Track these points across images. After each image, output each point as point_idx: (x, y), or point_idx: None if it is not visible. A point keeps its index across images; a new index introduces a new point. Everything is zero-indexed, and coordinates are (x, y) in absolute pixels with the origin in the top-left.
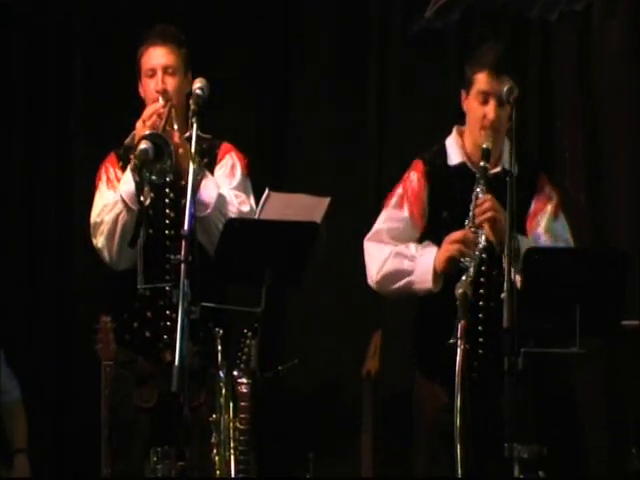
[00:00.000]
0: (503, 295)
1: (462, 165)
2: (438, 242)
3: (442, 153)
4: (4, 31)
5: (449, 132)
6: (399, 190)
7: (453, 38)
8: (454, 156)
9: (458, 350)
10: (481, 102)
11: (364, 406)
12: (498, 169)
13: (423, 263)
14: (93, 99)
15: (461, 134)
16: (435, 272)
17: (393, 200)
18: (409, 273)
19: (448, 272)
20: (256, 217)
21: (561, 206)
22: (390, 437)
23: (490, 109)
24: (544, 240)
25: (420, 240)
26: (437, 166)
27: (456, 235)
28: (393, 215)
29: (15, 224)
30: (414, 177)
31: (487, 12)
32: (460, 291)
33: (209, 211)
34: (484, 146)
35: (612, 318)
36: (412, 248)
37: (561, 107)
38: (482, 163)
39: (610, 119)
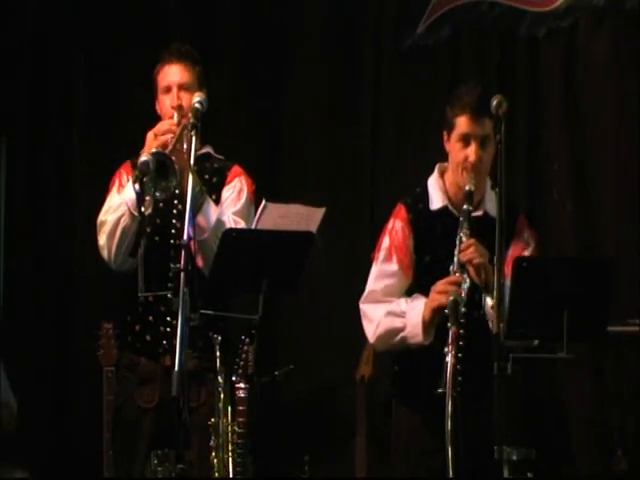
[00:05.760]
0: (489, 304)
1: (444, 209)
2: (420, 287)
3: (424, 196)
4: (8, 47)
5: (432, 169)
6: (386, 242)
7: (444, 54)
8: (436, 200)
9: (448, 357)
10: (463, 144)
11: (358, 410)
12: (480, 212)
13: (413, 318)
14: (95, 114)
15: (443, 173)
16: (424, 325)
17: (381, 254)
18: (402, 330)
19: (438, 319)
20: (253, 227)
21: (537, 251)
22: (384, 439)
23: (472, 151)
24: None
25: (409, 288)
26: (419, 211)
27: (442, 284)
28: (384, 270)
29: (18, 233)
30: (398, 226)
31: (476, 29)
32: (451, 298)
33: (206, 235)
34: (467, 188)
35: (598, 324)
36: (402, 304)
37: (548, 119)
38: (465, 206)
39: (595, 131)
